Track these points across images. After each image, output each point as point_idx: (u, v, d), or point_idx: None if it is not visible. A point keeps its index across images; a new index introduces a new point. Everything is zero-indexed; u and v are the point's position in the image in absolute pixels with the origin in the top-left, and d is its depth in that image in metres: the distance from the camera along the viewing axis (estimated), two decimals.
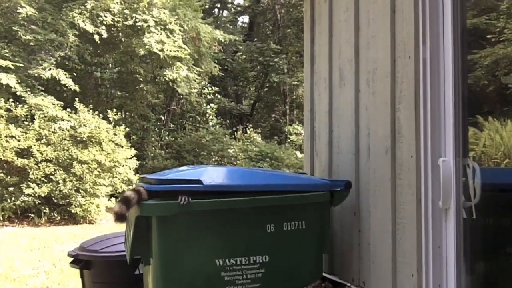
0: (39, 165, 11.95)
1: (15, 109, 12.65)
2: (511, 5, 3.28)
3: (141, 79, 18.37)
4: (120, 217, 3.07)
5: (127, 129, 14.22)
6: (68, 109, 13.24)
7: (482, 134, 3.25)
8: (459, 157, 2.72)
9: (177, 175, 3.39)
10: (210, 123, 21.75)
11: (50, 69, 14.62)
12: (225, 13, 29.01)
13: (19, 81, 13.85)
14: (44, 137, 12.41)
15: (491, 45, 3.34)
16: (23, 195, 11.70)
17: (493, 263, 3.13)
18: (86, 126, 12.73)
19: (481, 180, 2.70)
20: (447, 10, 2.77)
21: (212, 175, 3.30)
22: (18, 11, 14.42)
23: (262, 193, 3.22)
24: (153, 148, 18.71)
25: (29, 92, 13.91)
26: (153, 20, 16.37)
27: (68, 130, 12.64)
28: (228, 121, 24.71)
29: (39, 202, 11.88)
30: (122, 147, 13.33)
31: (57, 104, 13.58)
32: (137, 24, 16.24)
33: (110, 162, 12.59)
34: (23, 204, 11.77)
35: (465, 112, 2.81)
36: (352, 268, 3.69)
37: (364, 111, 3.62)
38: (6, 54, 14.12)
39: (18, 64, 14.04)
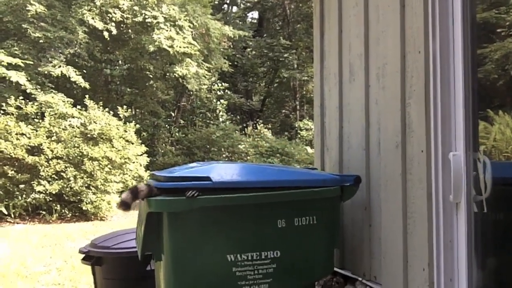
0: (50, 162, 12.01)
1: (25, 107, 12.72)
2: None
3: (151, 76, 18.42)
4: (123, 204, 3.12)
5: (138, 125, 14.27)
6: (78, 106, 13.30)
7: (492, 128, 3.24)
8: (469, 151, 2.72)
9: (186, 172, 3.40)
10: (220, 119, 21.77)
11: (59, 66, 14.69)
12: (235, 9, 29.01)
13: (29, 78, 13.93)
14: (54, 134, 12.47)
15: (501, 39, 3.33)
16: (34, 193, 11.78)
17: (504, 257, 3.13)
18: (96, 123, 12.78)
19: (491, 174, 2.70)
20: (457, 4, 2.77)
21: (221, 171, 3.30)
22: (27, 8, 14.49)
23: (272, 189, 3.23)
24: (164, 145, 18.77)
25: (39, 90, 13.99)
26: (162, 16, 16.41)
27: (78, 127, 12.70)
28: (238, 117, 24.73)
29: (50, 199, 11.95)
30: (132, 143, 13.38)
31: (67, 101, 13.67)
32: (147, 20, 16.28)
33: (120, 158, 12.65)
34: (34, 201, 11.85)
35: (475, 106, 2.80)
36: (363, 263, 3.70)
37: (374, 106, 3.62)
38: (16, 52, 14.20)
39: (28, 62, 14.12)
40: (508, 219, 3.12)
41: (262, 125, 21.32)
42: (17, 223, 11.55)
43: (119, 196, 12.87)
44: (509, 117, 3.29)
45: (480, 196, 2.73)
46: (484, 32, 3.26)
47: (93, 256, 4.08)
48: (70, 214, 12.18)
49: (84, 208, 12.09)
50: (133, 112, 18.04)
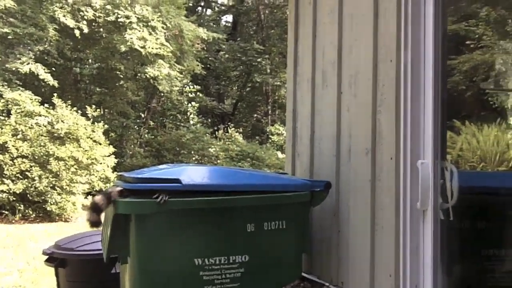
0: (15, 161, 11.76)
1: None
2: (490, 12, 3.34)
3: (122, 76, 18.24)
4: (94, 224, 3.10)
5: (106, 126, 14.10)
6: (46, 105, 13.07)
7: (458, 138, 3.30)
8: (437, 159, 2.77)
9: (155, 174, 3.38)
10: (191, 122, 21.69)
11: (28, 63, 14.43)
12: (209, 11, 28.94)
13: None
14: (20, 132, 12.22)
15: (470, 51, 3.40)
16: None
17: (469, 264, 3.19)
18: (64, 122, 12.57)
19: (458, 183, 2.75)
20: (429, 15, 2.81)
21: (191, 174, 3.29)
22: None
23: (243, 193, 3.23)
24: (132, 146, 18.60)
25: (6, 87, 13.70)
26: (135, 16, 16.27)
27: (45, 126, 12.47)
28: (209, 120, 24.66)
29: (14, 199, 11.67)
30: (100, 144, 13.21)
31: (35, 99, 13.43)
32: (119, 20, 16.12)
33: (87, 159, 12.47)
34: None
35: (444, 116, 2.86)
36: (331, 269, 3.72)
37: (345, 113, 3.65)
38: None
39: None
40: (473, 227, 3.18)
41: (233, 129, 21.28)
42: None
43: (85, 198, 12.72)
44: (476, 127, 3.36)
45: (447, 204, 2.78)
46: (454, 44, 3.32)
47: (57, 258, 4.00)
48: (34, 215, 11.94)
49: (48, 208, 11.86)
50: (102, 112, 17.82)
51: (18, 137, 12.13)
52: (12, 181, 11.63)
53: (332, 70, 3.85)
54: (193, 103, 21.68)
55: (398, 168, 2.96)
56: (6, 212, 11.74)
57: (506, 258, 3.18)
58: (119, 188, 3.12)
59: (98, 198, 3.07)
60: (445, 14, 2.88)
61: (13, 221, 11.53)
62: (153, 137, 19.60)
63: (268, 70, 24.79)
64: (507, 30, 3.38)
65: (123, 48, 16.13)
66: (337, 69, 3.77)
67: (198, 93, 21.99)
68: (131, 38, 15.91)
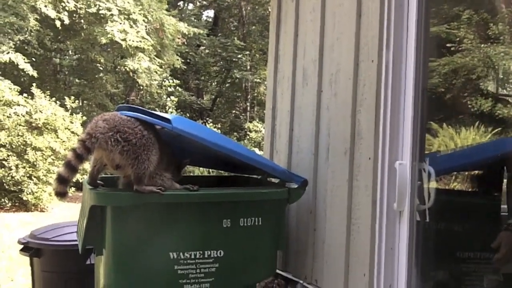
0: None
1: None
2: (472, 15, 3.36)
3: (101, 68, 18.17)
4: (61, 194, 3.04)
5: (84, 117, 14.00)
6: (25, 95, 12.97)
7: (435, 140, 3.32)
8: (415, 161, 2.78)
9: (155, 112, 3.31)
10: None
11: (8, 52, 14.30)
12: (190, 6, 28.82)
13: None
14: None
15: (451, 54, 3.41)
16: None
17: (444, 265, 3.21)
18: (42, 113, 12.47)
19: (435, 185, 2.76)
20: (412, 16, 2.82)
21: (186, 123, 3.31)
22: None
23: (224, 158, 3.22)
24: None
25: None
26: (117, 8, 16.19)
27: (23, 116, 12.37)
28: (188, 114, 24.53)
29: None
30: (78, 135, 13.11)
31: (14, 88, 13.29)
32: (100, 12, 16.03)
33: (65, 150, 12.38)
34: None
35: (424, 118, 2.87)
36: (306, 266, 3.73)
37: (325, 112, 3.65)
38: None
39: None
40: (449, 229, 3.20)
41: (211, 124, 21.24)
42: None
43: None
44: (454, 130, 3.37)
45: (424, 206, 2.79)
46: (434, 46, 3.33)
47: (32, 248, 3.99)
48: (10, 204, 11.85)
49: (24, 198, 11.79)
50: (81, 104, 17.74)
51: None
52: None
53: (313, 68, 3.85)
54: (172, 97, 21.58)
55: (376, 169, 2.97)
56: None
57: (481, 261, 3.21)
58: (76, 146, 3.01)
59: (62, 169, 2.99)
60: (428, 16, 2.89)
61: None
62: None
63: (248, 67, 24.78)
64: (488, 34, 3.40)
65: (103, 40, 16.06)
66: (318, 68, 3.77)
67: (177, 87, 21.91)
68: (112, 31, 15.85)
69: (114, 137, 2.98)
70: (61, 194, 3.04)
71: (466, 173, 3.44)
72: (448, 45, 3.45)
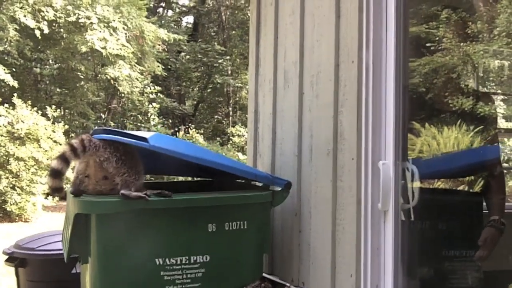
0: None
1: None
2: (451, 14, 3.38)
3: (82, 76, 18.09)
4: (57, 190, 3.03)
5: (66, 126, 13.94)
6: (6, 105, 12.88)
7: (418, 140, 3.33)
8: (398, 160, 2.79)
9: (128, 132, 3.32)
10: (152, 123, 21.50)
11: None
12: (170, 12, 28.80)
13: None
14: None
15: (430, 53, 3.43)
16: None
17: (430, 265, 3.22)
18: (24, 122, 12.39)
19: (419, 184, 2.77)
20: (391, 16, 2.83)
21: (163, 140, 3.33)
22: None
23: (206, 171, 3.24)
24: None
25: None
26: (96, 17, 16.15)
27: (5, 126, 12.28)
28: (170, 121, 24.50)
29: None
30: (60, 144, 13.03)
31: None
32: (80, 20, 15.98)
33: (48, 159, 12.29)
34: None
35: (406, 117, 2.88)
36: (292, 269, 3.73)
37: (307, 113, 3.66)
38: None
39: None
40: (433, 228, 3.22)
41: (194, 130, 21.21)
42: None
43: (45, 198, 12.51)
44: (436, 129, 3.39)
45: (408, 205, 2.80)
46: (414, 46, 3.35)
47: (17, 258, 3.97)
48: None
49: (8, 209, 11.70)
50: (62, 113, 17.66)
51: None
52: None
53: (294, 70, 3.86)
54: (154, 104, 21.53)
55: (359, 169, 2.98)
56: None
57: (467, 259, 3.22)
58: (72, 141, 3.04)
59: (55, 162, 2.99)
60: (406, 15, 2.91)
61: None
62: None
63: (229, 72, 24.81)
64: (467, 32, 3.43)
65: (83, 49, 16.02)
66: (299, 70, 3.77)
67: (159, 94, 21.87)
68: (92, 39, 15.82)
69: (113, 147, 3.05)
70: (58, 190, 3.03)
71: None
72: (427, 44, 3.47)
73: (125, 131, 3.29)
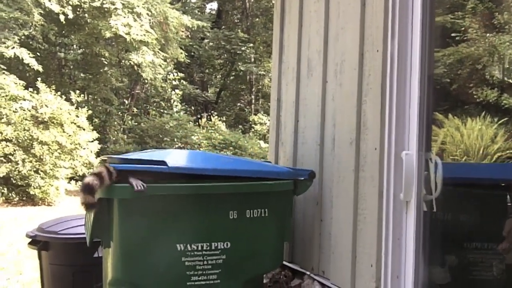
0: None
1: None
2: (477, 4, 3.33)
3: (106, 62, 18.19)
4: (91, 206, 2.98)
5: (90, 111, 14.05)
6: (30, 89, 13.01)
7: (441, 131, 3.30)
8: (422, 151, 2.76)
9: (142, 155, 3.37)
10: (175, 109, 21.64)
11: (13, 47, 14.34)
12: None
13: None
14: (4, 116, 12.16)
15: (455, 43, 3.39)
16: None
17: (451, 256, 3.20)
18: (47, 107, 12.52)
19: (442, 175, 2.75)
20: (417, 5, 2.80)
21: (177, 157, 3.29)
22: None
23: (227, 178, 3.22)
24: (116, 132, 18.54)
25: None
26: (120, 2, 16.19)
27: (29, 110, 12.41)
28: (192, 108, 24.62)
29: None
30: (84, 129, 13.17)
31: (19, 83, 13.33)
32: (104, 6, 16.04)
33: (71, 144, 12.43)
34: None
35: (430, 107, 2.85)
36: (312, 257, 3.73)
37: (330, 102, 3.64)
38: None
39: None
40: (455, 219, 3.19)
41: (216, 117, 21.28)
42: None
43: (68, 182, 12.64)
44: (459, 120, 3.35)
45: (430, 196, 2.78)
46: (439, 36, 3.31)
47: (40, 241, 3.99)
48: (17, 198, 11.91)
49: (31, 192, 11.85)
50: (86, 98, 17.80)
51: (2, 121, 12.07)
52: None
53: (317, 59, 3.84)
54: (176, 90, 21.63)
55: (382, 159, 2.96)
56: None
57: (489, 251, 3.20)
58: (108, 166, 3.07)
59: (89, 178, 2.97)
60: (432, 5, 2.87)
61: None
62: (136, 123, 19.56)
63: (252, 59, 24.79)
64: (493, 23, 3.38)
65: (107, 34, 16.08)
66: (323, 58, 3.75)
67: (181, 80, 21.95)
68: (116, 24, 15.87)
69: None
70: (91, 205, 2.97)
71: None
72: (453, 35, 3.42)
73: (141, 154, 3.38)
